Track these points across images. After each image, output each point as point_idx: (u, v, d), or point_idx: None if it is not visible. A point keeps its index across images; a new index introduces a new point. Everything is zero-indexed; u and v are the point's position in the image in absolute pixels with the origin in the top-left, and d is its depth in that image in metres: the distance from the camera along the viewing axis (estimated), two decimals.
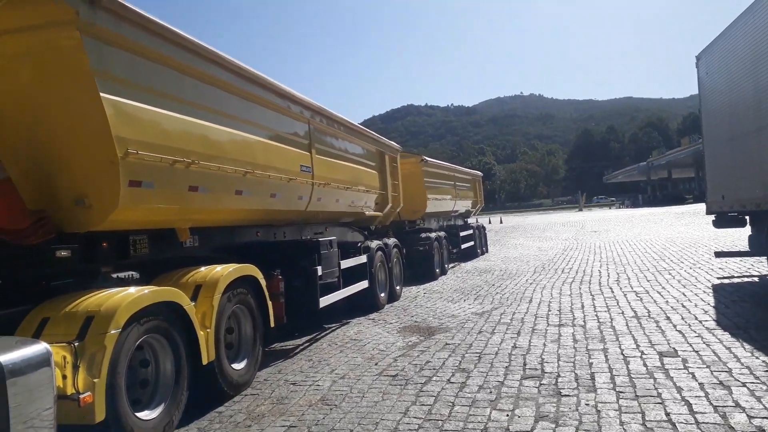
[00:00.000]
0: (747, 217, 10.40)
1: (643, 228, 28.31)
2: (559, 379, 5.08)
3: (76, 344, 3.59)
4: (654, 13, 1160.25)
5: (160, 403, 4.35)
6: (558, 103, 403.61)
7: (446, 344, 6.79)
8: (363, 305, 9.49)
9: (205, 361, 4.80)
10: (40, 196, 4.10)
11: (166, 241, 5.19)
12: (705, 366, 5.17)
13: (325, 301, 7.48)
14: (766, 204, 8.22)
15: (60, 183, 4.11)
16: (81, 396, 3.43)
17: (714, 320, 7.01)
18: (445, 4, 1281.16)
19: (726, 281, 10.08)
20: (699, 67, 10.92)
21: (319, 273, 7.27)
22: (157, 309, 4.28)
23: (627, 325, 7.13)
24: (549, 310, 8.50)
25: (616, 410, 4.24)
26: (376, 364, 6.09)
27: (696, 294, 8.91)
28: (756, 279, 10.10)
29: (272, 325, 6.19)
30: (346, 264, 8.48)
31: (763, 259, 11.57)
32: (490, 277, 13.43)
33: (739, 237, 17.09)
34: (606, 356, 5.74)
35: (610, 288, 10.24)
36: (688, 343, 6.03)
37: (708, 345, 5.87)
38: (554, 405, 4.44)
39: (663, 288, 9.75)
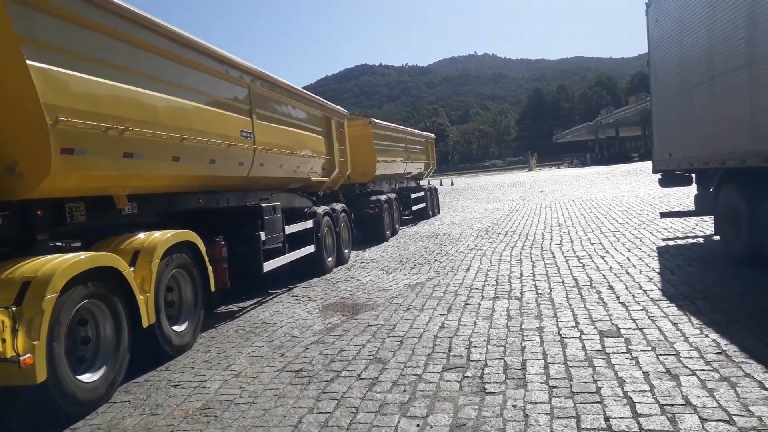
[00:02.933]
0: (693, 176, 9.94)
1: (589, 187, 28.16)
2: (486, 371, 4.35)
3: (14, 309, 3.67)
4: None
5: (101, 366, 4.47)
6: (511, 63, 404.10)
7: (368, 326, 6.00)
8: (310, 269, 9.50)
9: (145, 324, 4.93)
10: None
11: (104, 207, 5.21)
12: (650, 348, 4.53)
13: (269, 265, 7.46)
14: (714, 161, 7.66)
15: None
16: (21, 358, 3.56)
17: (659, 289, 6.44)
18: None
19: (671, 243, 9.62)
20: (648, 14, 10.21)
21: (263, 238, 7.25)
22: (95, 274, 4.35)
23: (567, 296, 6.49)
24: (486, 280, 7.82)
25: (547, 414, 3.52)
26: (282, 356, 5.25)
27: (640, 258, 8.38)
28: (701, 240, 9.68)
29: (212, 289, 6.31)
30: (290, 229, 8.39)
31: (709, 218, 11.22)
32: (432, 243, 12.75)
33: (684, 195, 16.90)
34: (541, 337, 5.05)
35: (552, 253, 9.66)
36: (631, 318, 5.41)
37: (653, 321, 5.26)
38: (476, 408, 3.70)
39: (607, 252, 9.22)
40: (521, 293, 6.85)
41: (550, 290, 6.86)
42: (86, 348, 4.45)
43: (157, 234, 5.37)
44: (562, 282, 7.26)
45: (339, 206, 11.13)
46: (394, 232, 15.16)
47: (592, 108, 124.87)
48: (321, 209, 9.97)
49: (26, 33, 3.95)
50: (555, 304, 6.20)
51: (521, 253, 9.92)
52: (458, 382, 4.18)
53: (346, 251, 11.08)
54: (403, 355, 4.89)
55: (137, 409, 4.23)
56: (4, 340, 3.55)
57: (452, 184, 46.54)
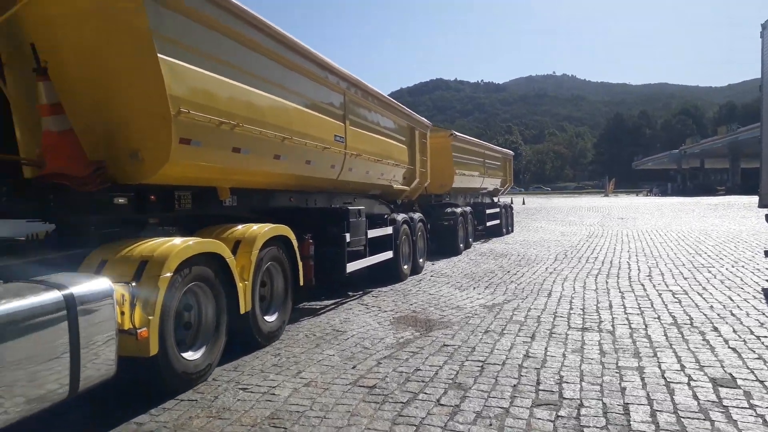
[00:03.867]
0: None
1: (673, 218, 26.65)
2: (582, 411, 3.88)
3: (133, 284, 3.88)
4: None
5: (201, 345, 4.71)
6: (590, 85, 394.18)
7: (444, 345, 5.61)
8: (387, 276, 9.54)
9: (242, 311, 5.17)
10: (98, 148, 4.32)
11: (208, 198, 5.47)
12: None
13: (351, 267, 7.68)
14: None
15: (117, 136, 4.35)
16: (138, 330, 3.77)
17: None
18: None
19: None
20: (764, 36, 9.37)
21: (347, 240, 7.48)
22: (202, 259, 4.60)
23: (665, 335, 5.87)
24: (571, 308, 7.25)
25: None
26: (354, 368, 4.94)
27: (745, 299, 7.58)
28: None
29: (301, 284, 6.49)
30: (372, 234, 8.55)
31: None
32: (506, 262, 12.21)
33: None
34: (642, 379, 4.51)
35: (642, 285, 8.94)
36: (747, 367, 4.76)
37: None
38: None
39: (704, 289, 8.43)
40: (613, 326, 6.27)
41: (646, 326, 6.24)
42: (190, 327, 4.69)
43: (255, 226, 5.62)
44: (658, 318, 6.61)
45: (417, 215, 11.09)
46: (467, 246, 15.03)
47: (674, 136, 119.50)
48: (400, 217, 10.01)
49: (158, 28, 4.19)
50: (653, 342, 5.60)
51: (607, 282, 9.25)
52: (551, 421, 3.72)
53: (420, 260, 11.04)
54: (485, 383, 4.47)
55: (204, 410, 4.02)
56: (122, 313, 3.71)
57: (524, 203, 45.36)
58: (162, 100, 4.19)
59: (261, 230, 5.60)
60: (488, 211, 17.43)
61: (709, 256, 12.39)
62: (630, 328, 6.19)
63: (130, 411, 4.01)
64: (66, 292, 3.17)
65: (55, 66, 4.07)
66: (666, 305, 7.32)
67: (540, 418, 3.76)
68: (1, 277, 3.29)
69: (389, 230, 9.30)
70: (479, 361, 5.07)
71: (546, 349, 5.42)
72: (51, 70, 4.05)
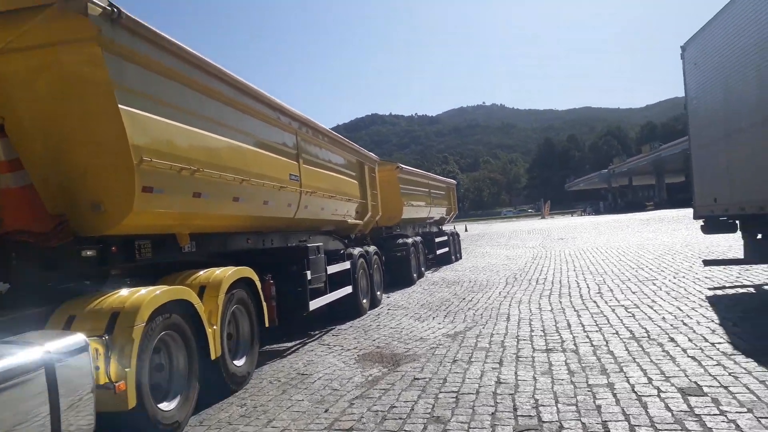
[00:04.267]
0: (738, 222, 9.50)
1: (610, 235, 27.71)
2: None
3: (106, 337, 3.85)
4: (613, 26, 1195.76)
5: (176, 395, 4.62)
6: (519, 113, 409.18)
7: (414, 379, 5.53)
8: (346, 311, 9.47)
9: (213, 357, 5.11)
10: (59, 201, 4.26)
11: (167, 245, 5.36)
12: (745, 410, 4.04)
13: (314, 304, 7.66)
14: None
15: (78, 188, 4.28)
16: (116, 384, 3.73)
17: (728, 342, 5.94)
18: (412, 16, 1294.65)
19: (720, 292, 9.12)
20: (685, 58, 10.01)
21: (309, 277, 7.45)
22: (172, 307, 4.53)
23: (627, 349, 6.01)
24: (531, 330, 7.34)
25: None
26: (326, 411, 4.79)
27: (693, 309, 7.88)
28: (752, 289, 9.16)
29: (266, 325, 6.45)
30: (332, 270, 8.56)
31: (754, 267, 10.75)
32: (459, 289, 12.29)
33: (713, 244, 16.43)
34: (614, 395, 4.57)
35: (594, 302, 9.17)
36: (710, 374, 4.91)
37: (736, 377, 4.76)
38: None
39: (653, 301, 8.72)
40: (575, 345, 6.36)
41: (606, 342, 6.37)
42: (162, 378, 4.57)
43: (218, 270, 5.59)
44: (617, 333, 6.77)
45: (372, 249, 11.20)
46: (420, 276, 15.18)
47: (602, 157, 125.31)
48: (357, 251, 10.04)
49: (118, 79, 4.20)
50: (616, 357, 5.71)
51: (561, 302, 9.44)
52: None
53: (378, 293, 11.11)
54: (463, 414, 4.42)
55: None
56: (97, 368, 3.62)
57: (466, 230, 46.09)
58: (124, 151, 4.17)
59: (225, 273, 5.54)
60: (437, 240, 17.68)
61: (651, 269, 12.88)
62: (592, 345, 6.30)
63: None
64: (43, 349, 3.00)
65: (12, 122, 4.05)
66: (621, 320, 7.52)
67: None
68: None
69: (347, 265, 9.29)
70: (453, 392, 5.01)
71: (516, 373, 5.44)
72: (7, 126, 4.01)
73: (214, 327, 5.16)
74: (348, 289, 9.18)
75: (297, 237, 8.55)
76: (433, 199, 18.21)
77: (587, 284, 11.35)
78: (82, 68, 4.10)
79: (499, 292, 11.28)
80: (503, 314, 8.74)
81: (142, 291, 4.32)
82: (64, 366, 3.04)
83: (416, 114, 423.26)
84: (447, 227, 21.97)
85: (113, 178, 4.27)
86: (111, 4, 4.05)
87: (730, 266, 10.98)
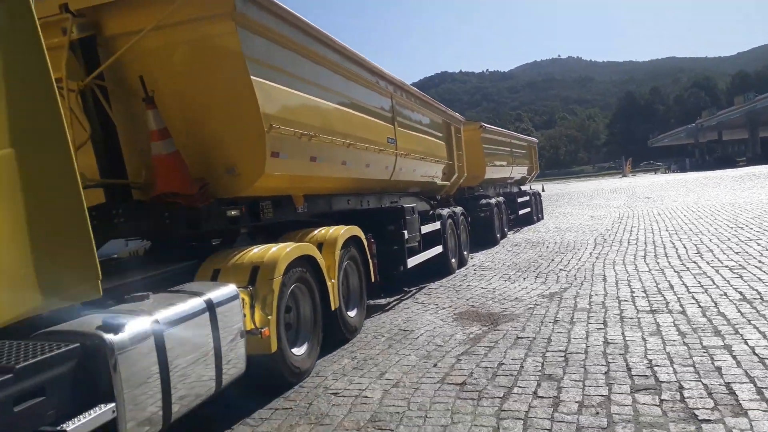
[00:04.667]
0: None
1: (700, 193, 26.33)
2: (685, 393, 3.85)
3: (251, 288, 4.28)
4: None
5: (303, 343, 5.08)
6: (597, 66, 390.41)
7: (518, 338, 5.59)
8: (436, 270, 9.69)
9: (333, 308, 5.57)
10: (199, 167, 4.66)
11: (284, 206, 5.80)
12: None
13: (411, 261, 7.99)
14: None
15: (214, 154, 4.72)
16: (261, 330, 4.14)
17: None
18: None
19: None
20: None
21: (406, 236, 7.76)
22: (300, 262, 4.98)
23: (739, 311, 5.79)
24: (632, 291, 7.19)
25: None
26: (434, 366, 4.95)
27: None
28: None
29: (373, 280, 6.85)
30: (424, 229, 8.79)
31: None
32: (545, 251, 12.14)
33: None
34: (734, 357, 4.45)
35: (694, 263, 8.83)
36: None
37: None
38: None
39: (761, 262, 8.29)
40: (681, 306, 6.20)
41: (715, 303, 6.17)
42: (292, 325, 5.03)
43: (332, 229, 6.03)
44: (725, 294, 6.53)
45: (458, 209, 11.33)
46: (503, 236, 15.19)
47: (688, 110, 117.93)
48: (445, 212, 10.21)
49: (249, 51, 4.53)
50: (729, 319, 5.53)
51: (658, 263, 9.16)
52: (657, 405, 3.70)
53: (465, 253, 11.31)
54: (575, 373, 4.45)
55: (302, 418, 4.04)
56: (244, 315, 3.98)
57: (543, 190, 44.97)
58: (256, 118, 4.54)
59: (339, 231, 6.00)
60: (519, 200, 17.54)
61: (752, 228, 12.20)
62: (700, 306, 6.12)
63: (227, 422, 4.05)
64: (206, 297, 3.51)
65: (160, 94, 4.44)
66: (728, 281, 7.22)
67: (645, 404, 3.74)
68: (136, 289, 3.51)
69: (437, 225, 9.46)
70: (560, 351, 5.04)
71: (623, 334, 5.39)
72: (156, 98, 4.40)
73: (333, 280, 5.60)
74: (438, 249, 9.38)
75: (389, 198, 8.81)
76: (515, 158, 17.95)
77: (683, 245, 10.92)
78: (217, 42, 4.47)
79: (590, 253, 11.06)
80: (598, 275, 8.60)
81: (274, 248, 4.76)
82: (222, 311, 3.57)
83: (487, 70, 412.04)
84: (527, 187, 21.58)
85: (246, 144, 4.64)
86: None
87: None
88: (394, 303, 7.91)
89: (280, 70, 5.06)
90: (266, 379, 4.49)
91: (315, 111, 5.71)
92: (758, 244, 9.98)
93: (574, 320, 6.06)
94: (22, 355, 2.41)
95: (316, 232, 5.91)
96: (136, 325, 2.88)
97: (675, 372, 4.26)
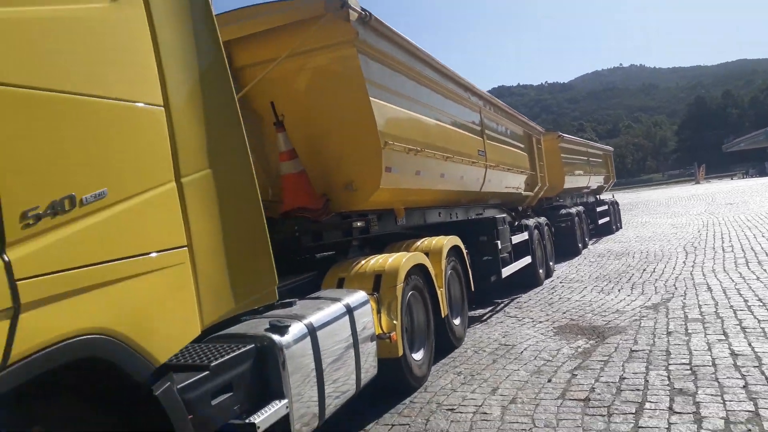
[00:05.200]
0: None
1: None
2: None
3: (376, 295, 4.47)
4: None
5: (419, 348, 5.23)
6: (661, 72, 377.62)
7: (632, 351, 5.30)
8: (525, 281, 9.61)
9: (443, 314, 5.72)
10: (321, 183, 4.96)
11: (387, 219, 5.91)
12: None
13: (506, 271, 8.03)
14: None
15: (335, 172, 4.99)
16: (390, 334, 4.36)
17: None
18: None
19: None
20: None
21: (499, 246, 7.82)
22: (414, 270, 5.16)
23: None
24: (745, 300, 6.73)
25: None
26: (549, 381, 4.73)
27: None
28: None
29: (472, 289, 6.89)
30: (515, 240, 8.83)
31: None
32: (632, 261, 11.61)
33: None
34: None
35: None
36: None
37: None
38: None
39: None
40: None
41: None
42: (408, 331, 5.07)
43: (435, 239, 6.16)
44: None
45: (543, 220, 11.30)
46: (584, 246, 14.88)
47: (764, 113, 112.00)
48: (531, 222, 10.17)
49: (367, 74, 4.82)
50: None
51: (765, 270, 8.57)
52: None
53: (551, 264, 11.17)
54: (709, 387, 4.14)
55: None
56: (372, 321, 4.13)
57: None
58: (374, 136, 4.82)
59: (443, 241, 6.10)
60: (598, 209, 17.22)
61: None
62: None
63: None
64: (344, 302, 3.77)
65: (287, 118, 4.73)
66: None
67: None
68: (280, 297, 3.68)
69: (525, 236, 9.44)
70: (684, 364, 4.73)
71: (750, 345, 5.01)
72: (285, 122, 4.70)
73: (441, 288, 5.72)
74: (528, 260, 9.30)
75: (474, 211, 8.66)
76: (592, 167, 17.49)
77: None
78: (341, 66, 4.79)
79: (683, 262, 10.51)
80: (701, 284, 8.12)
81: (392, 257, 4.98)
82: (358, 314, 3.83)
83: (546, 82, 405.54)
84: (605, 196, 20.92)
85: (364, 161, 4.90)
86: (363, 9, 4.63)
87: None
88: (488, 315, 7.77)
89: (390, 91, 5.34)
90: (392, 382, 4.59)
91: (418, 127, 5.96)
92: None
93: (690, 332, 5.70)
94: (210, 356, 2.65)
95: (419, 242, 6.03)
96: (296, 327, 3.14)
97: None
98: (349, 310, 3.73)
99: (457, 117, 7.33)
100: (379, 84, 5.08)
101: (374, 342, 4.01)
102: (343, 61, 4.77)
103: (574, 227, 13.53)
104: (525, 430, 3.79)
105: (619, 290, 8.54)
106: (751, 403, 3.76)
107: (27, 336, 1.74)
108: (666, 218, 22.43)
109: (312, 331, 3.22)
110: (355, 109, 4.79)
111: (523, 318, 7.38)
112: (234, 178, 2.81)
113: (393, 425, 4.17)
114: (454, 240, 6.50)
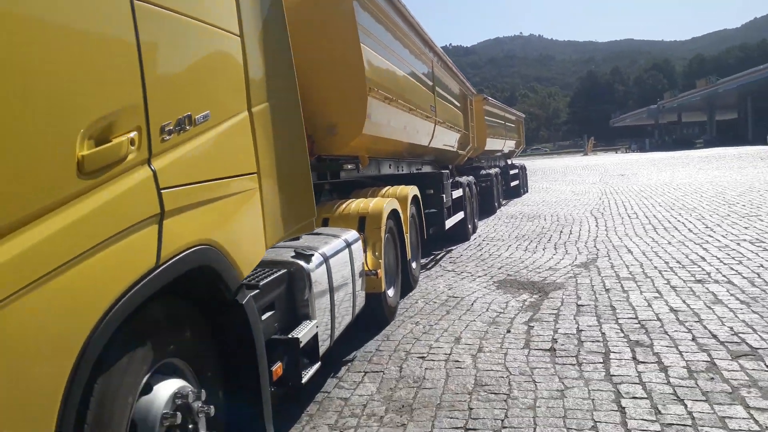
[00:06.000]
0: None
1: (672, 172, 27.00)
2: None
3: (362, 234, 4.74)
4: None
5: (391, 285, 5.53)
6: (558, 45, 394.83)
7: (578, 305, 5.57)
8: (457, 235, 10.08)
9: (408, 257, 6.20)
10: (306, 124, 5.18)
11: (354, 165, 5.92)
12: None
13: (448, 223, 8.56)
14: None
15: (318, 114, 4.98)
16: (376, 271, 4.78)
17: None
18: None
19: None
20: None
21: (445, 200, 8.33)
22: (390, 214, 5.45)
23: None
24: (666, 262, 7.26)
25: None
26: (509, 332, 4.88)
27: None
28: None
29: (425, 237, 7.43)
30: (454, 195, 9.31)
31: None
32: (546, 223, 12.20)
33: None
34: None
35: (710, 236, 8.97)
36: None
37: None
38: None
39: None
40: (726, 277, 6.28)
41: (758, 275, 6.26)
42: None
43: (399, 188, 6.48)
44: (762, 266, 6.64)
45: (471, 179, 11.70)
46: (499, 206, 15.81)
47: (647, 92, 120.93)
48: (464, 180, 10.62)
49: (361, 23, 5.07)
50: None
51: (673, 236, 9.28)
52: (766, 371, 3.70)
53: (476, 220, 11.92)
54: (663, 340, 4.44)
55: (400, 381, 3.91)
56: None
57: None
58: (361, 81, 4.98)
59: (407, 190, 6.46)
60: (511, 172, 18.04)
61: (744, 205, 12.49)
62: (744, 277, 6.19)
63: (315, 388, 3.89)
64: (343, 238, 4.09)
65: None
66: (756, 254, 7.33)
67: (754, 369, 3.74)
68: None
69: (460, 192, 9.91)
70: (632, 318, 5.04)
71: (684, 302, 5.41)
72: None
73: (407, 234, 6.12)
74: (461, 215, 9.81)
75: (415, 165, 8.66)
76: (507, 131, 18.08)
77: (687, 219, 11.11)
78: (334, 11, 4.99)
79: (596, 225, 11.18)
80: (620, 246, 8.67)
81: (372, 202, 5.30)
82: (353, 249, 4.21)
83: (450, 44, 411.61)
84: (515, 161, 21.79)
85: (348, 105, 5.02)
86: None
87: None
88: (431, 265, 8.16)
89: (375, 39, 5.55)
90: (373, 314, 4.97)
91: (393, 78, 6.17)
92: (761, 221, 10.25)
93: (626, 289, 6.07)
94: (251, 278, 2.84)
95: (384, 190, 6.28)
96: (315, 256, 3.45)
97: (761, 339, 4.28)
98: (348, 245, 4.07)
99: (417, 71, 7.55)
100: (367, 31, 5.30)
101: (363, 277, 4.40)
102: (337, 5, 4.97)
103: (492, 188, 14.21)
104: (502, 377, 3.88)
105: (543, 249, 8.94)
106: (705, 354, 4.07)
107: (169, 241, 1.93)
108: (565, 185, 23.75)
109: (326, 260, 3.56)
110: (345, 53, 4.92)
111: (462, 272, 7.54)
112: (286, 114, 2.97)
113: (366, 372, 4.12)
114: (415, 190, 6.84)
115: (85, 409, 1.61)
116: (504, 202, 17.23)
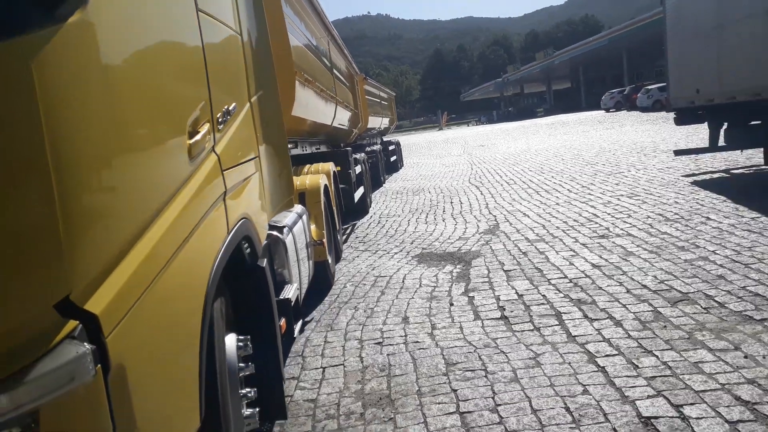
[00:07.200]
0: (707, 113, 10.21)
1: (527, 139, 28.84)
2: (718, 300, 4.16)
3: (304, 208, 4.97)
4: None
5: (329, 253, 5.94)
6: (405, 24, 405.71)
7: (506, 271, 5.64)
8: (358, 210, 10.48)
9: (338, 228, 7.02)
10: None
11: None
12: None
13: (356, 196, 9.19)
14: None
15: None
16: (322, 241, 5.44)
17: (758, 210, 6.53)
18: None
19: (699, 178, 9.88)
20: None
21: (352, 176, 8.89)
22: (324, 189, 5.95)
23: (676, 228, 6.43)
24: (564, 222, 7.63)
25: None
26: (452, 305, 4.80)
27: (694, 192, 8.52)
28: (725, 174, 10.03)
29: (343, 209, 7.96)
30: (357, 170, 9.71)
31: (716, 155, 11.73)
32: (432, 196, 12.38)
33: (633, 141, 17.62)
34: (719, 264, 4.93)
35: (590, 194, 9.62)
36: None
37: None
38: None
39: (646, 190, 9.29)
40: (624, 231, 6.70)
41: (650, 225, 6.76)
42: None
43: (320, 165, 6.91)
44: (649, 216, 7.19)
45: (364, 155, 11.77)
46: (384, 180, 16.37)
47: (489, 66, 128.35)
48: (360, 156, 10.92)
49: (285, 9, 5.34)
50: (676, 237, 6.11)
51: (558, 198, 9.81)
52: (706, 313, 3.94)
53: (371, 195, 12.64)
54: (602, 295, 4.59)
55: (365, 372, 3.65)
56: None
57: None
58: (290, 67, 5.31)
59: (328, 166, 6.98)
60: (390, 148, 18.85)
61: (605, 165, 13.59)
62: (640, 229, 6.66)
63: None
64: (295, 211, 4.26)
65: None
66: (638, 206, 7.95)
67: (696, 312, 3.96)
68: None
69: (360, 168, 10.15)
70: (562, 278, 5.18)
71: (601, 257, 5.68)
72: None
73: (335, 207, 6.69)
74: (362, 190, 10.14)
75: (314, 145, 8.33)
76: (383, 109, 18.28)
77: (561, 180, 11.84)
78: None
79: (481, 193, 11.56)
80: (514, 211, 8.99)
81: (308, 179, 5.77)
82: (305, 221, 4.51)
83: None
84: (390, 137, 22.09)
85: (281, 89, 4.85)
86: None
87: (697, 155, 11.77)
88: (344, 238, 8.35)
89: (294, 25, 5.83)
90: (321, 280, 5.47)
91: (308, 60, 6.49)
92: (624, 176, 11.19)
93: (541, 250, 6.27)
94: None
95: (307, 168, 6.63)
96: (285, 229, 3.67)
97: (689, 284, 4.58)
98: (300, 217, 4.29)
99: (321, 53, 7.85)
100: (291, 20, 5.62)
101: (312, 247, 4.80)
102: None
103: (378, 163, 14.73)
104: (470, 352, 3.77)
105: (443, 221, 9.04)
106: (646, 303, 4.26)
107: (231, 215, 2.32)
108: (433, 159, 24.43)
109: (290, 230, 3.78)
110: (274, 41, 4.58)
111: (376, 251, 7.38)
112: (270, 102, 3.36)
113: (325, 368, 3.81)
114: (334, 166, 7.36)
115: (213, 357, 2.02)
116: (386, 177, 17.36)
